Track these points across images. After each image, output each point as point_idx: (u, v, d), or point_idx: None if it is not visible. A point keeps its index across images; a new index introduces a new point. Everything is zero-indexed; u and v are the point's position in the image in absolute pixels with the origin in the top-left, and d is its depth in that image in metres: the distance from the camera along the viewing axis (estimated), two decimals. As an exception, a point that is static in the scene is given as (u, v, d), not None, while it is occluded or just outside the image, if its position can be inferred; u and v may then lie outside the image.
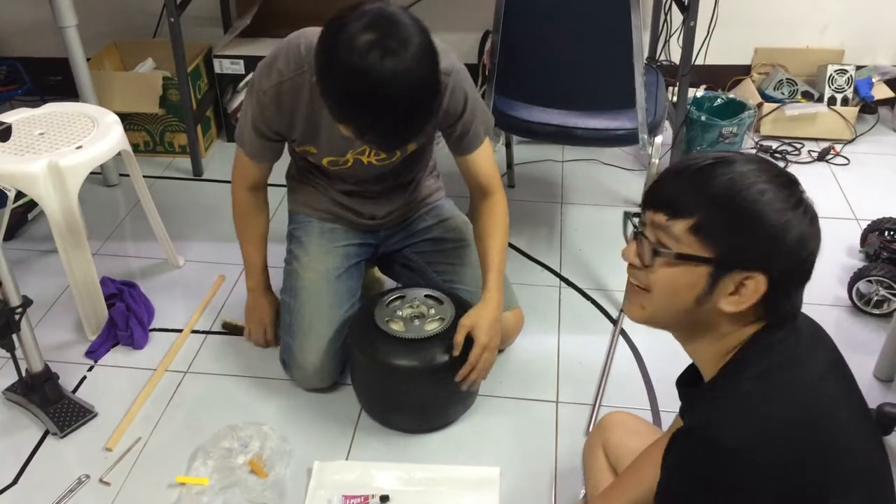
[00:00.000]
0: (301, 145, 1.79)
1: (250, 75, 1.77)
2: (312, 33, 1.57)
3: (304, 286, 1.89)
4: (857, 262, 2.33)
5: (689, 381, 1.17)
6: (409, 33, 1.39)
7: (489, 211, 1.84)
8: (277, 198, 2.70)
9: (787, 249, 0.99)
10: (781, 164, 2.87)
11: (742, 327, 1.05)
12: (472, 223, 1.91)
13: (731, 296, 1.01)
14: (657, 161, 2.22)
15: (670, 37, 3.05)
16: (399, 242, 2.03)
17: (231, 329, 2.13)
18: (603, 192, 2.75)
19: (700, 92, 2.88)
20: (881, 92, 3.03)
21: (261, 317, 2.05)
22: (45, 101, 2.17)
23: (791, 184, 1.02)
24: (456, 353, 1.72)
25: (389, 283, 2.16)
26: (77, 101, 2.48)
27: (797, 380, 1.01)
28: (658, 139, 2.21)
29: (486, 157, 1.82)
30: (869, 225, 2.38)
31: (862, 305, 2.17)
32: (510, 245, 2.28)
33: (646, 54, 2.98)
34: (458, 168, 1.84)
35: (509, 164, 2.76)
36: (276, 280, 2.04)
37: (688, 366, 1.18)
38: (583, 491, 1.69)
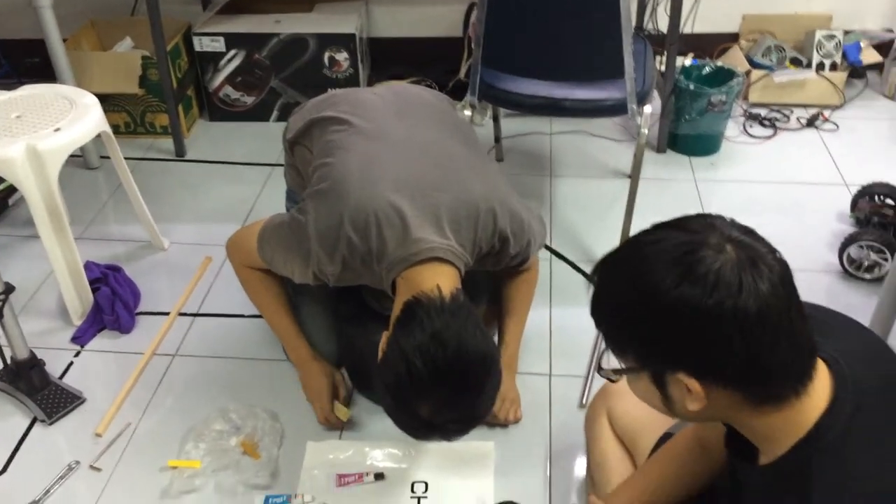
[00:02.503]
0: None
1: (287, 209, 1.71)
2: (373, 214, 1.47)
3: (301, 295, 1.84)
4: (848, 228, 2.32)
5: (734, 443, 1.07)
6: (475, 378, 1.34)
7: (519, 284, 1.80)
8: (263, 176, 2.67)
9: (693, 345, 0.89)
10: (770, 131, 2.86)
11: (765, 416, 0.93)
12: (501, 285, 1.83)
13: (688, 396, 0.93)
14: (646, 131, 2.19)
15: (657, 5, 3.01)
16: None
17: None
18: (592, 164, 2.72)
19: (688, 61, 2.85)
20: (869, 56, 3.01)
21: (317, 392, 1.78)
22: (21, 84, 2.12)
23: (692, 252, 0.88)
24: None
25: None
26: (54, 82, 2.43)
27: (866, 472, 0.91)
28: (647, 109, 2.18)
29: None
30: (859, 190, 2.37)
31: (853, 271, 2.16)
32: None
33: (633, 23, 2.94)
34: None
35: (497, 139, 2.73)
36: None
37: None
38: (580, 464, 1.68)
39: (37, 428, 1.80)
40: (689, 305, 0.87)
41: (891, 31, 3.11)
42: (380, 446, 1.72)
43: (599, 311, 0.98)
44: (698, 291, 0.86)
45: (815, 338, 0.94)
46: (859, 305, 2.07)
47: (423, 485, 1.65)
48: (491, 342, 1.38)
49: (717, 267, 0.87)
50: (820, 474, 0.90)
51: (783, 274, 0.90)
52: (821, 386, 0.94)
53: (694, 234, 0.91)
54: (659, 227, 0.95)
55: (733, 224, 0.93)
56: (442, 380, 1.30)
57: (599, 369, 1.03)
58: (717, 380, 0.91)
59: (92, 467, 1.71)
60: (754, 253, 0.89)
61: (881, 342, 1.06)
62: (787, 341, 0.89)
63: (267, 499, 1.63)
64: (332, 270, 1.53)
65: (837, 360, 0.96)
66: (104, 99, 2.23)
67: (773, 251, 0.92)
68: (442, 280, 1.41)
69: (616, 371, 0.99)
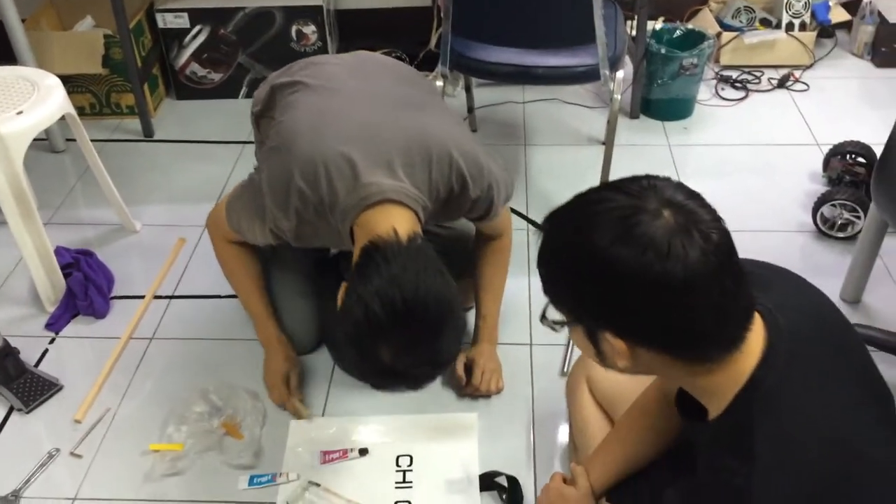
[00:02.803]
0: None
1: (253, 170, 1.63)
2: (322, 164, 1.45)
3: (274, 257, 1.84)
4: (821, 188, 2.34)
5: (685, 406, 1.10)
6: (434, 320, 1.30)
7: (492, 254, 1.79)
8: (234, 154, 2.63)
9: (616, 306, 0.91)
10: (741, 93, 2.86)
11: (699, 372, 0.96)
12: (474, 258, 1.82)
13: (616, 353, 0.96)
14: (619, 97, 2.18)
15: (626, -32, 2.99)
16: None
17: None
18: (566, 132, 2.71)
19: (658, 24, 2.84)
20: (838, 15, 3.01)
21: (273, 376, 1.78)
22: (-21, 67, 2.06)
23: (631, 215, 0.89)
24: (461, 381, 1.76)
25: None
26: (14, 64, 2.37)
27: (812, 440, 0.92)
28: (619, 74, 2.17)
29: (501, 218, 1.73)
30: (831, 149, 2.38)
31: (826, 230, 2.18)
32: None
33: (602, -12, 2.92)
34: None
35: (470, 109, 2.71)
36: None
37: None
38: (563, 433, 1.70)
39: (14, 417, 1.78)
40: (617, 266, 0.88)
41: (858, -11, 3.12)
42: (363, 422, 1.72)
43: (541, 261, 1.00)
44: (628, 253, 0.88)
45: (754, 293, 0.95)
46: (833, 264, 2.09)
47: (408, 458, 1.65)
48: (452, 286, 1.35)
49: (651, 231, 0.87)
50: (759, 425, 0.92)
51: (720, 242, 0.89)
52: (756, 339, 0.95)
53: (635, 197, 0.91)
54: (605, 187, 0.96)
55: (679, 187, 0.93)
56: (400, 322, 1.27)
57: (542, 318, 1.05)
58: (640, 341, 0.93)
59: (72, 454, 1.69)
60: (692, 219, 0.89)
61: (821, 295, 1.07)
62: (715, 310, 0.90)
63: (252, 478, 1.62)
64: (288, 226, 1.51)
65: (772, 312, 0.97)
66: (67, 80, 2.18)
67: (717, 219, 0.91)
68: (398, 223, 1.38)
69: (556, 322, 1.02)
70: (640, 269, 0.87)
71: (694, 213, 0.90)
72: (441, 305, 1.30)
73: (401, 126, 1.52)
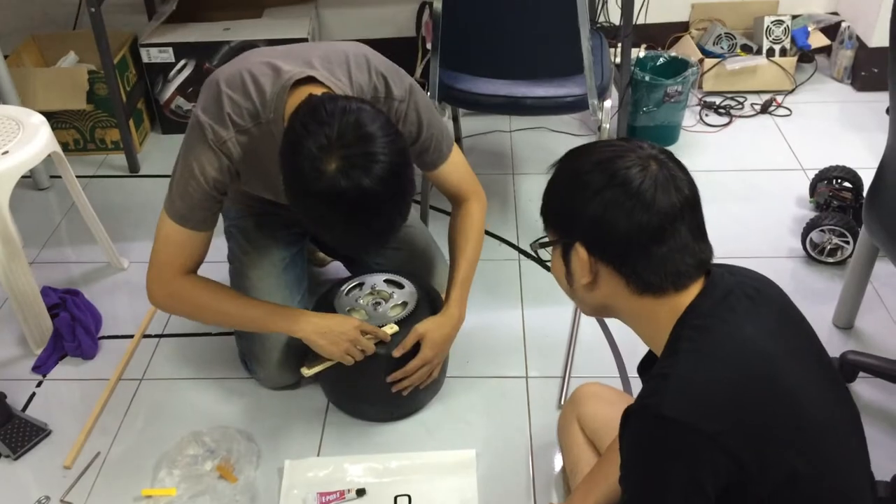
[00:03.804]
0: (251, 189, 1.69)
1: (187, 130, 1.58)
2: (246, 71, 1.51)
3: (253, 285, 1.80)
4: (808, 213, 2.35)
5: (646, 369, 1.17)
6: (375, 140, 1.31)
7: (462, 221, 1.78)
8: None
9: (589, 220, 1.05)
10: (725, 119, 2.89)
11: (647, 303, 1.06)
12: (449, 227, 1.81)
13: (581, 267, 1.08)
14: (608, 126, 2.20)
15: (608, -3, 3.02)
16: None
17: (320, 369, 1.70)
18: (553, 159, 2.69)
19: (642, 52, 2.87)
20: (817, 40, 3.06)
21: (342, 322, 1.66)
22: (-38, 105, 2.04)
23: (616, 159, 1.05)
24: (396, 354, 1.66)
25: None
26: (-3, 102, 2.35)
27: (733, 341, 1.01)
28: (607, 103, 2.18)
29: (455, 168, 1.74)
30: (817, 174, 2.40)
31: (816, 255, 2.19)
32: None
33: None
34: (429, 180, 1.79)
35: (457, 139, 2.71)
36: (222, 274, 1.96)
37: (646, 352, 1.17)
38: (561, 464, 1.68)
39: (1, 464, 1.73)
40: (596, 187, 1.04)
41: (836, 13, 3.16)
42: (359, 461, 1.70)
43: (546, 188, 1.13)
44: (603, 178, 1.04)
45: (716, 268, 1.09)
46: (824, 289, 2.10)
47: (406, 497, 1.63)
48: (383, 112, 1.37)
49: (633, 172, 1.03)
50: (686, 344, 1.02)
51: (689, 196, 1.05)
52: (698, 285, 1.07)
53: (628, 146, 1.08)
54: (614, 142, 1.11)
55: (663, 151, 1.08)
56: (340, 134, 1.29)
57: (532, 244, 1.20)
58: (602, 255, 1.06)
59: (63, 502, 1.65)
60: (670, 172, 1.05)
61: (784, 295, 1.14)
62: (672, 250, 1.03)
63: (247, 523, 1.59)
64: (228, 135, 1.50)
65: (722, 271, 1.10)
66: (51, 116, 2.17)
67: (689, 178, 1.07)
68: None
69: (541, 244, 1.15)
70: (610, 188, 1.03)
71: (672, 169, 1.05)
72: (376, 117, 1.33)
73: (316, 46, 1.63)
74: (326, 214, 1.35)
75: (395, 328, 1.70)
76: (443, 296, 1.78)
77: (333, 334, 1.63)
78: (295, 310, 1.70)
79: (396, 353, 1.67)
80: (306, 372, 1.68)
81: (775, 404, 0.98)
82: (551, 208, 1.12)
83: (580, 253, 1.07)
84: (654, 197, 1.01)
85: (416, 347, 1.68)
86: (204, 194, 1.54)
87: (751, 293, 1.06)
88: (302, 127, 1.32)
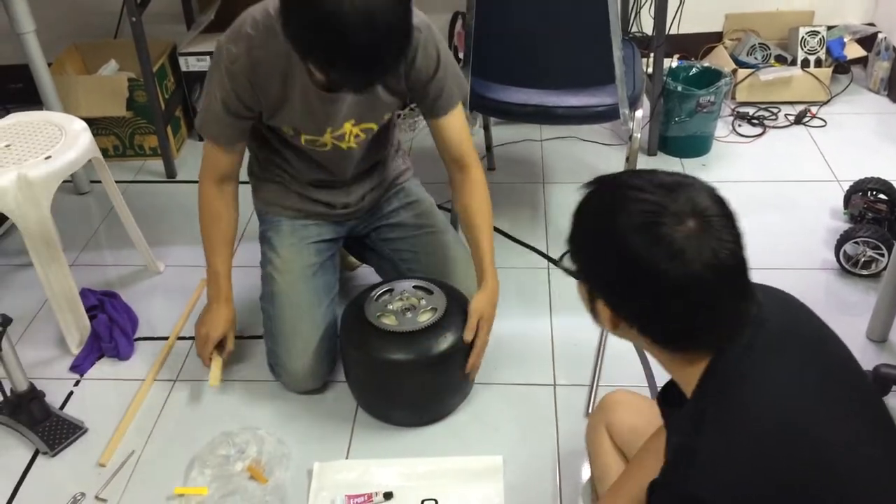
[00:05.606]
0: (276, 120, 1.72)
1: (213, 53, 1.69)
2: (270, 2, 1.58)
3: (282, 290, 1.85)
4: (842, 224, 2.33)
5: (668, 398, 1.14)
6: None
7: (470, 190, 1.81)
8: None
9: (617, 286, 1.00)
10: (758, 130, 2.87)
11: (674, 355, 1.03)
12: (453, 201, 1.85)
13: (605, 319, 1.06)
14: (639, 136, 2.20)
15: (641, 8, 3.02)
16: (365, 227, 2.00)
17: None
18: (584, 169, 2.73)
19: (674, 62, 2.86)
20: (853, 51, 3.03)
21: (209, 330, 1.84)
22: (7, 111, 2.11)
23: (658, 213, 0.95)
24: (468, 336, 1.73)
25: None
26: (41, 108, 2.41)
27: (762, 401, 0.96)
28: (638, 113, 2.19)
29: (460, 123, 1.78)
30: (851, 186, 2.38)
31: (850, 267, 2.17)
32: (494, 229, 2.25)
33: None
34: (432, 136, 1.81)
35: (488, 147, 2.73)
36: (255, 280, 1.99)
37: (669, 380, 1.14)
38: (587, 472, 1.68)
39: (39, 460, 1.78)
40: (625, 251, 0.96)
41: (872, 24, 3.14)
42: (387, 465, 1.71)
43: (574, 216, 1.06)
44: (640, 244, 0.95)
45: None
46: (858, 302, 2.08)
47: (433, 502, 1.64)
48: None
49: (669, 234, 0.93)
50: (712, 411, 0.96)
51: (728, 262, 0.94)
52: None
53: (668, 192, 0.97)
54: (646, 174, 1.02)
55: (711, 196, 0.98)
56: None
57: (559, 261, 1.13)
58: (627, 317, 1.03)
59: (97, 498, 1.69)
60: (711, 234, 0.94)
61: (805, 308, 1.09)
62: (703, 318, 0.96)
63: (277, 523, 1.62)
64: (237, 52, 1.59)
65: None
66: (91, 122, 2.21)
67: (735, 240, 0.96)
68: None
69: (568, 270, 1.09)
70: (645, 262, 0.94)
71: (715, 230, 0.95)
72: None
73: None
74: (314, 20, 1.35)
75: (219, 378, 1.85)
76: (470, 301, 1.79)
77: (200, 331, 1.86)
78: (222, 292, 1.86)
79: (468, 335, 1.73)
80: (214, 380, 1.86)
81: (811, 471, 0.93)
82: (577, 249, 1.07)
83: (602, 308, 1.05)
84: (686, 260, 0.93)
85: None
86: (223, 114, 1.68)
87: (776, 331, 1.01)
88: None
